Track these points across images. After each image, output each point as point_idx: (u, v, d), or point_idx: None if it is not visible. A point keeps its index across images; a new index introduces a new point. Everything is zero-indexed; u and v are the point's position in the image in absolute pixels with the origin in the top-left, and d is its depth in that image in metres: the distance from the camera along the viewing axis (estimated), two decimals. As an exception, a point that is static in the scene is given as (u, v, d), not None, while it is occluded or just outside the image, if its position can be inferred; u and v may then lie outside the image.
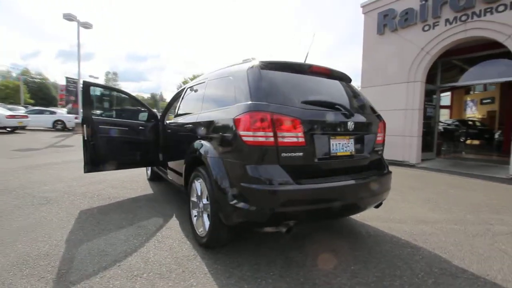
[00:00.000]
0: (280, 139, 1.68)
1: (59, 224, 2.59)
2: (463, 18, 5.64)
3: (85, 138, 3.23)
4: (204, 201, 2.14)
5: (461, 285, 1.74)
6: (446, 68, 7.37)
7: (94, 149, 3.29)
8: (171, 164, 3.21)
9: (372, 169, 2.19)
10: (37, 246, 2.13)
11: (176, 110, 3.22)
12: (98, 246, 2.16)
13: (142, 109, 4.05)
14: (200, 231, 2.21)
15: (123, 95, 3.80)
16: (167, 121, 4.22)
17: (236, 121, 1.77)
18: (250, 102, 1.77)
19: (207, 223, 2.10)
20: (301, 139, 1.74)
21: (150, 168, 4.45)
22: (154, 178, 4.44)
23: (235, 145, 1.79)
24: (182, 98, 3.20)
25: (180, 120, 2.97)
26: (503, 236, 2.53)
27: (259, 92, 1.81)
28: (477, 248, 2.29)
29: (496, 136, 12.92)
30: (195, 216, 2.38)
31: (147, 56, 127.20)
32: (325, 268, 1.90)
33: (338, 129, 1.93)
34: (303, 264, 1.94)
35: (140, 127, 3.79)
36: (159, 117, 3.91)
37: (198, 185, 2.26)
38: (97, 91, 3.93)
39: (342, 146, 1.95)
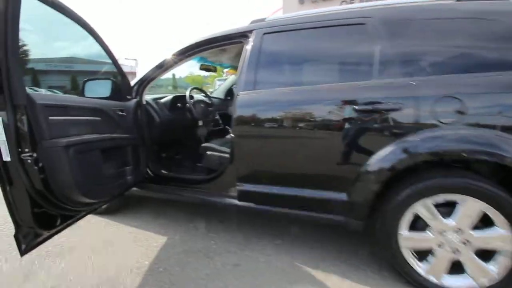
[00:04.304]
0: None
1: None
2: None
3: (11, 156, 1.08)
4: (477, 233, 1.26)
5: None
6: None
7: (45, 180, 1.18)
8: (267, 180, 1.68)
9: None
10: None
11: (253, 78, 1.65)
12: None
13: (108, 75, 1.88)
14: (453, 278, 1.33)
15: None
16: (151, 98, 2.28)
17: None
18: None
19: (487, 266, 1.27)
20: None
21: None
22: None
23: None
24: (260, 55, 1.66)
25: (299, 94, 1.55)
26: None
27: None
28: None
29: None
30: (414, 257, 1.41)
31: None
32: None
33: None
34: None
35: (119, 112, 1.77)
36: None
37: (426, 208, 1.30)
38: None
39: None
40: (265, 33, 1.71)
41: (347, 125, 1.44)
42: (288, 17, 1.74)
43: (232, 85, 3.37)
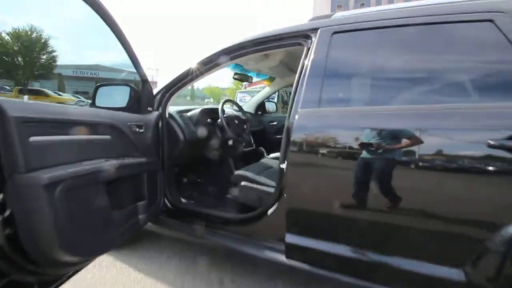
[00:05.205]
0: None
1: None
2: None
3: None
4: None
5: None
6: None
7: (13, 236, 0.74)
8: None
9: None
10: None
11: (318, 92, 1.20)
12: None
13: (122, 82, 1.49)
14: None
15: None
16: (175, 110, 1.87)
17: None
18: None
19: None
20: None
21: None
22: None
23: None
24: (328, 61, 1.22)
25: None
26: None
27: None
28: None
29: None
30: None
31: None
32: None
33: None
34: None
35: (136, 128, 1.35)
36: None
37: None
38: None
39: None
40: (335, 32, 1.27)
41: (473, 167, 0.95)
42: (368, 12, 1.31)
43: (265, 98, 2.96)
